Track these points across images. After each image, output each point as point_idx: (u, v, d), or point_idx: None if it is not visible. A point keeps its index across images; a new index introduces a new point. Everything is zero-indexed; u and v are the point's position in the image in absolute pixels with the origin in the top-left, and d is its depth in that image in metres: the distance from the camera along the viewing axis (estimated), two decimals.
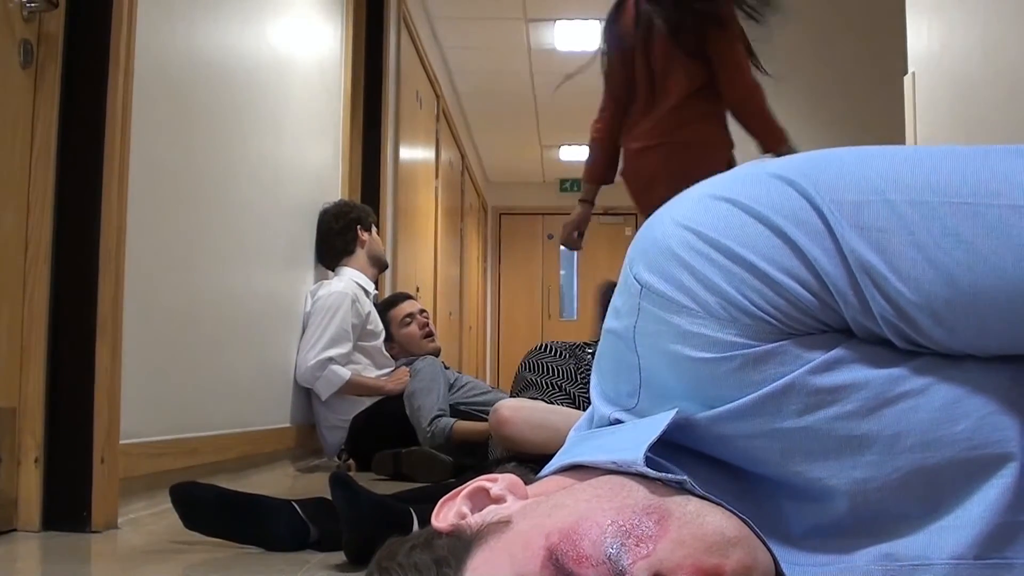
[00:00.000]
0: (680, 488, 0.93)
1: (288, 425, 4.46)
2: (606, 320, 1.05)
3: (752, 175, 0.97)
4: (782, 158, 0.99)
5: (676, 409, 0.98)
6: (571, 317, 14.24)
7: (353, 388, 4.62)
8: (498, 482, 1.01)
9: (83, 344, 2.53)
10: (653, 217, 1.01)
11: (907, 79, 2.96)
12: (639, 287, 0.97)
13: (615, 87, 4.59)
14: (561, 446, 1.14)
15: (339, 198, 5.28)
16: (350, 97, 5.56)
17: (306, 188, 4.80)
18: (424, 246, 8.11)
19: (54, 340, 2.51)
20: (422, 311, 5.20)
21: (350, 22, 5.57)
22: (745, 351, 0.93)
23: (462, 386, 4.67)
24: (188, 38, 3.26)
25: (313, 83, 4.91)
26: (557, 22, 8.50)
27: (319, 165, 5.07)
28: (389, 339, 5.05)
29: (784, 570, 0.93)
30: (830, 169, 0.94)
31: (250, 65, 3.91)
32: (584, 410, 3.20)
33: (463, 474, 3.64)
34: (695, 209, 0.97)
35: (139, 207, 2.74)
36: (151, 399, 2.94)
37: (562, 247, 4.88)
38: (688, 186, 1.01)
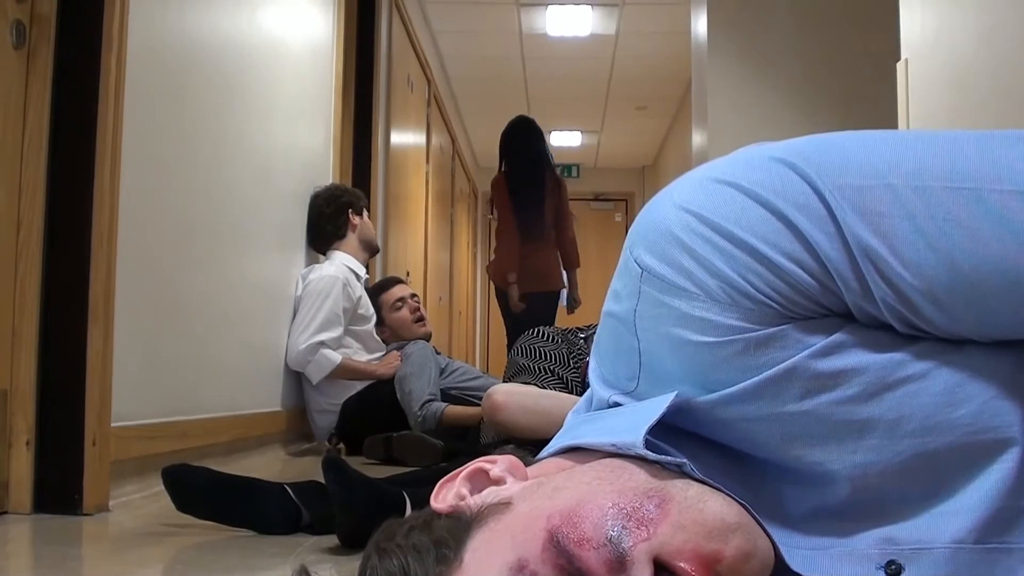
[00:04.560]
0: (680, 471, 0.93)
1: (279, 409, 4.46)
2: (606, 303, 1.05)
3: (753, 159, 0.97)
4: (784, 141, 0.99)
5: (676, 392, 0.97)
6: (561, 302, 14.23)
7: (344, 372, 4.61)
8: (498, 463, 1.01)
9: (75, 326, 2.52)
10: (653, 200, 1.01)
11: (900, 65, 2.96)
12: (639, 270, 0.97)
13: None
14: (554, 431, 1.14)
15: (330, 182, 5.27)
16: (341, 81, 5.54)
17: (297, 172, 4.79)
18: (414, 231, 8.10)
19: (46, 322, 2.50)
20: (413, 295, 5.20)
21: (342, 6, 5.55)
22: (746, 335, 0.93)
23: (453, 371, 4.68)
24: (180, 21, 3.25)
25: (305, 67, 4.90)
26: (549, 7, 8.50)
27: (310, 149, 5.06)
28: (380, 323, 5.05)
29: (783, 553, 0.94)
30: (832, 153, 0.94)
31: (242, 49, 3.89)
32: (577, 394, 3.20)
33: (454, 458, 3.65)
34: (696, 192, 0.96)
35: (131, 189, 2.73)
36: (143, 382, 2.94)
37: None
38: None
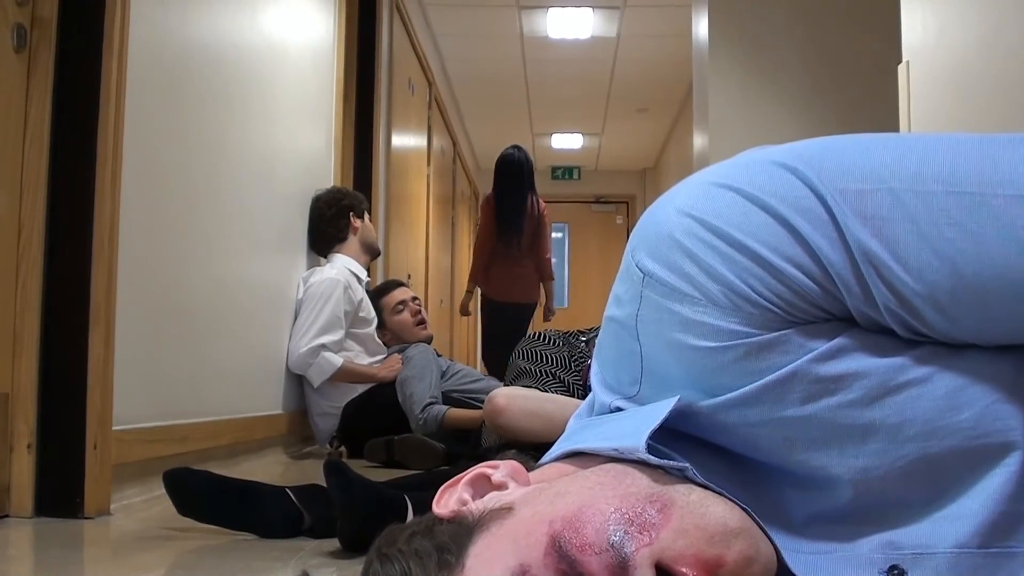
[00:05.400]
0: (682, 476, 0.93)
1: (280, 412, 4.45)
2: (607, 308, 1.05)
3: (755, 163, 0.97)
4: (785, 145, 0.99)
5: (678, 396, 0.97)
6: (561, 305, 14.25)
7: (345, 375, 4.61)
8: (500, 469, 1.01)
9: (76, 330, 2.52)
10: (655, 204, 1.01)
11: (901, 68, 2.96)
12: (641, 275, 0.97)
13: None
14: (556, 434, 1.14)
15: (331, 185, 5.27)
16: (342, 84, 5.54)
17: (298, 175, 4.79)
18: (416, 233, 8.10)
19: (47, 326, 2.50)
20: (414, 298, 5.20)
21: (343, 8, 5.55)
22: (748, 340, 0.93)
23: (454, 374, 4.67)
24: (181, 24, 3.25)
25: (306, 70, 4.90)
26: (550, 9, 8.50)
27: (311, 152, 5.06)
28: (381, 326, 5.04)
29: (786, 557, 0.93)
30: (834, 157, 0.94)
31: (243, 52, 3.90)
32: (578, 397, 3.19)
33: (456, 462, 3.64)
34: (698, 197, 0.96)
35: (132, 193, 2.73)
36: (144, 385, 2.94)
37: None
38: None
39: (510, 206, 7.51)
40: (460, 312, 8.36)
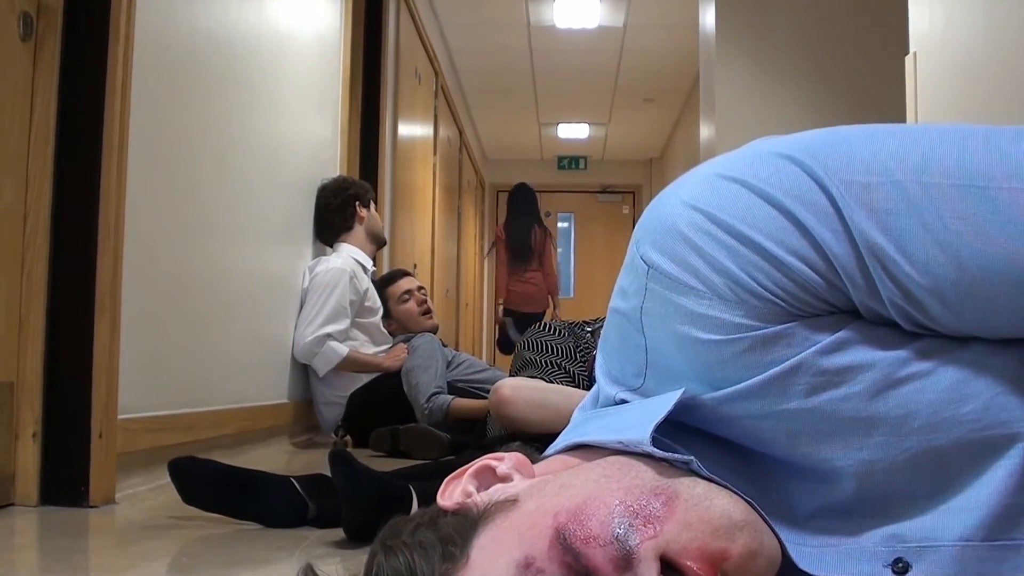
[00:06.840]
0: (687, 469, 0.93)
1: (285, 401, 4.46)
2: (612, 300, 1.04)
3: (760, 155, 0.96)
4: (790, 136, 0.98)
5: (683, 389, 0.97)
6: (567, 295, 14.25)
7: (351, 364, 4.61)
8: (504, 461, 1.01)
9: (82, 318, 2.52)
10: (660, 196, 1.00)
11: (908, 59, 2.95)
12: (646, 267, 0.97)
13: None
14: (561, 425, 1.14)
15: (338, 174, 5.26)
16: (349, 73, 5.53)
17: (304, 164, 4.79)
18: (422, 223, 8.10)
19: (53, 314, 2.50)
20: (420, 288, 5.20)
21: None
22: (753, 333, 0.92)
23: (460, 363, 4.67)
24: (188, 12, 3.25)
25: (312, 58, 4.89)
26: None
27: (317, 141, 5.05)
28: (387, 316, 5.04)
29: (790, 551, 0.93)
30: (839, 149, 0.93)
31: (249, 40, 3.89)
32: (583, 388, 3.19)
33: (461, 451, 3.64)
34: (703, 189, 0.96)
35: (138, 182, 2.73)
36: (149, 374, 2.94)
37: None
38: None
39: (518, 234, 9.65)
40: (496, 321, 10.93)
